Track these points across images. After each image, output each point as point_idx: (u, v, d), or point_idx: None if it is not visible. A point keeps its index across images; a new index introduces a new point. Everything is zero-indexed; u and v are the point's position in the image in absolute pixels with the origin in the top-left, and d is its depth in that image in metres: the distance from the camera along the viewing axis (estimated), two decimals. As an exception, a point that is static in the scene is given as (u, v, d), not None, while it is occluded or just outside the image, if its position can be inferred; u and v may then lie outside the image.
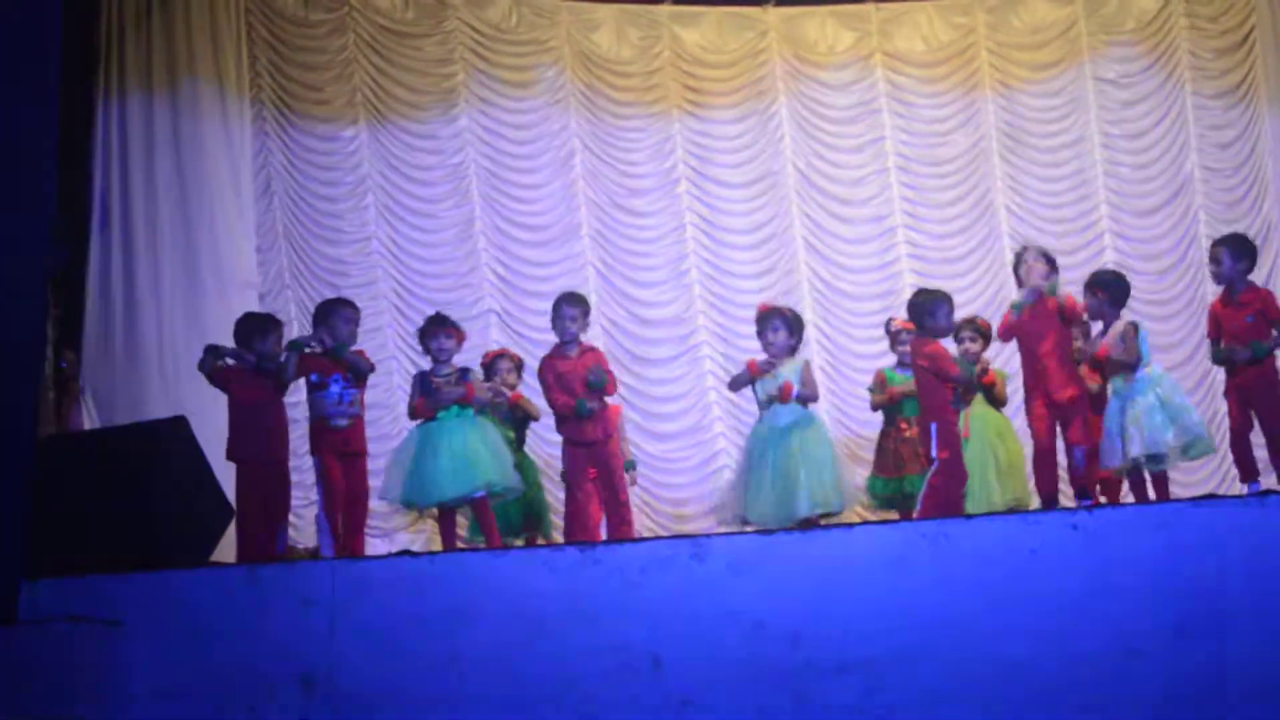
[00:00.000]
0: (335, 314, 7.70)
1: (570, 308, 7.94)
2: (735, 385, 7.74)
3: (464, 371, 7.85)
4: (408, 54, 10.68)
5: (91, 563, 5.81)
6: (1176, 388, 7.44)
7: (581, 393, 7.74)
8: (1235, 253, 7.52)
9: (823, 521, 7.13)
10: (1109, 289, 7.53)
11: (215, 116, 10.01)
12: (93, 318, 9.49)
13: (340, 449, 7.54)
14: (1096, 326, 7.55)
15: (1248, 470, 7.47)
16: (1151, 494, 7.48)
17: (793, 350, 7.52)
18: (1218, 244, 7.75)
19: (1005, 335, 7.79)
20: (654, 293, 10.81)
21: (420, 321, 10.32)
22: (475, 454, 7.56)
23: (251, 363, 7.55)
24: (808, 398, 7.45)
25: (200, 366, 7.57)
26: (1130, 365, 7.31)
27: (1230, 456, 9.75)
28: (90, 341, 9.47)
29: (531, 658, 5.56)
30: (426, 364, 7.98)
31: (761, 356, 7.48)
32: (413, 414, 7.76)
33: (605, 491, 7.90)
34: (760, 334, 7.54)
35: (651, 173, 10.98)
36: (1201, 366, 10.67)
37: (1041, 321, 7.55)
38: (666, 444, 10.38)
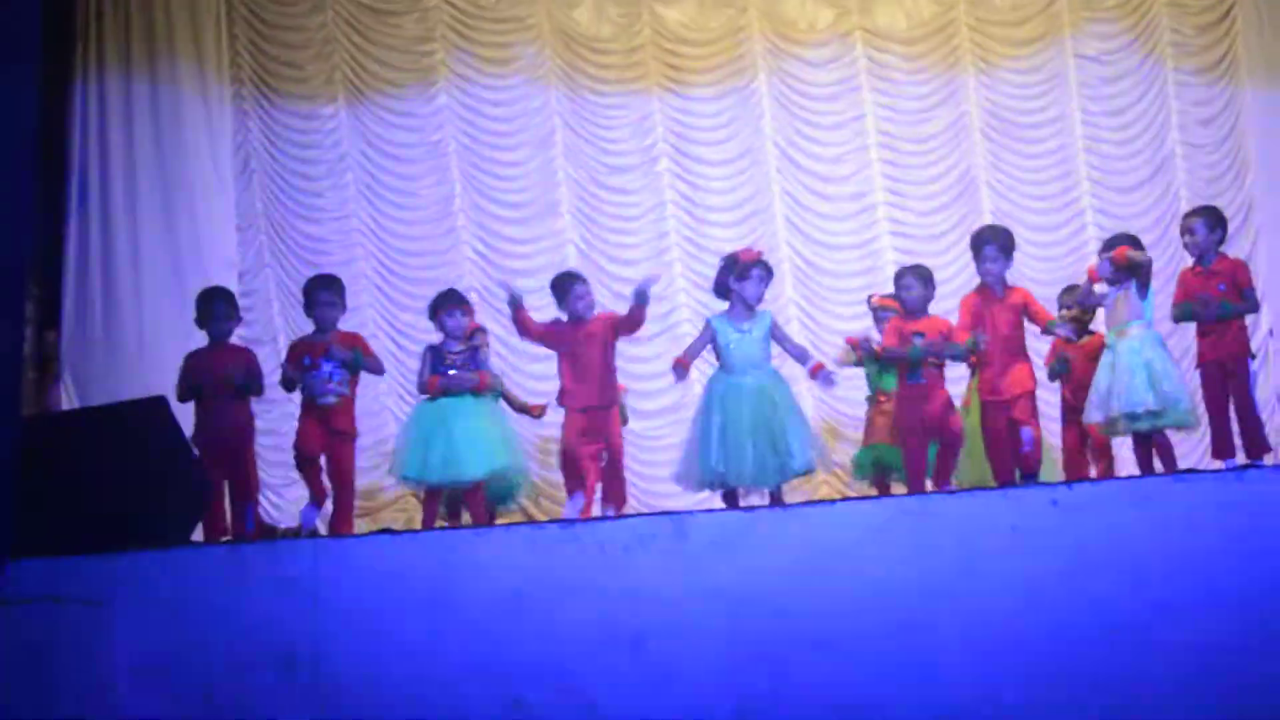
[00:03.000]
0: (313, 299, 7.75)
1: (580, 285, 7.90)
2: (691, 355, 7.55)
3: (475, 349, 7.84)
4: (387, 32, 10.65)
5: (72, 543, 5.80)
6: (1168, 357, 7.42)
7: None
8: (1210, 223, 7.57)
9: (799, 482, 7.30)
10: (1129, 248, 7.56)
11: (194, 95, 9.99)
12: (71, 297, 9.47)
13: (326, 424, 7.53)
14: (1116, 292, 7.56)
15: (1224, 447, 7.48)
16: (1157, 464, 7.52)
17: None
18: (1192, 215, 7.78)
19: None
20: (635, 270, 10.74)
21: (400, 299, 10.39)
22: (489, 437, 7.55)
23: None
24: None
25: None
26: (1134, 269, 7.36)
27: (1205, 433, 9.82)
28: (69, 321, 9.45)
29: (513, 635, 5.56)
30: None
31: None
32: (423, 389, 7.74)
33: (606, 464, 7.81)
34: (748, 283, 7.36)
35: (632, 150, 10.95)
36: (1182, 343, 10.69)
37: (998, 313, 7.62)
38: (648, 421, 10.35)
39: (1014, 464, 7.56)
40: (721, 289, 7.46)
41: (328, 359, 7.52)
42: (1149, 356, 7.25)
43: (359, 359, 7.61)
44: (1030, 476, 7.49)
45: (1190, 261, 7.75)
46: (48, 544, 5.78)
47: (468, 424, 7.51)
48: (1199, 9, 11.27)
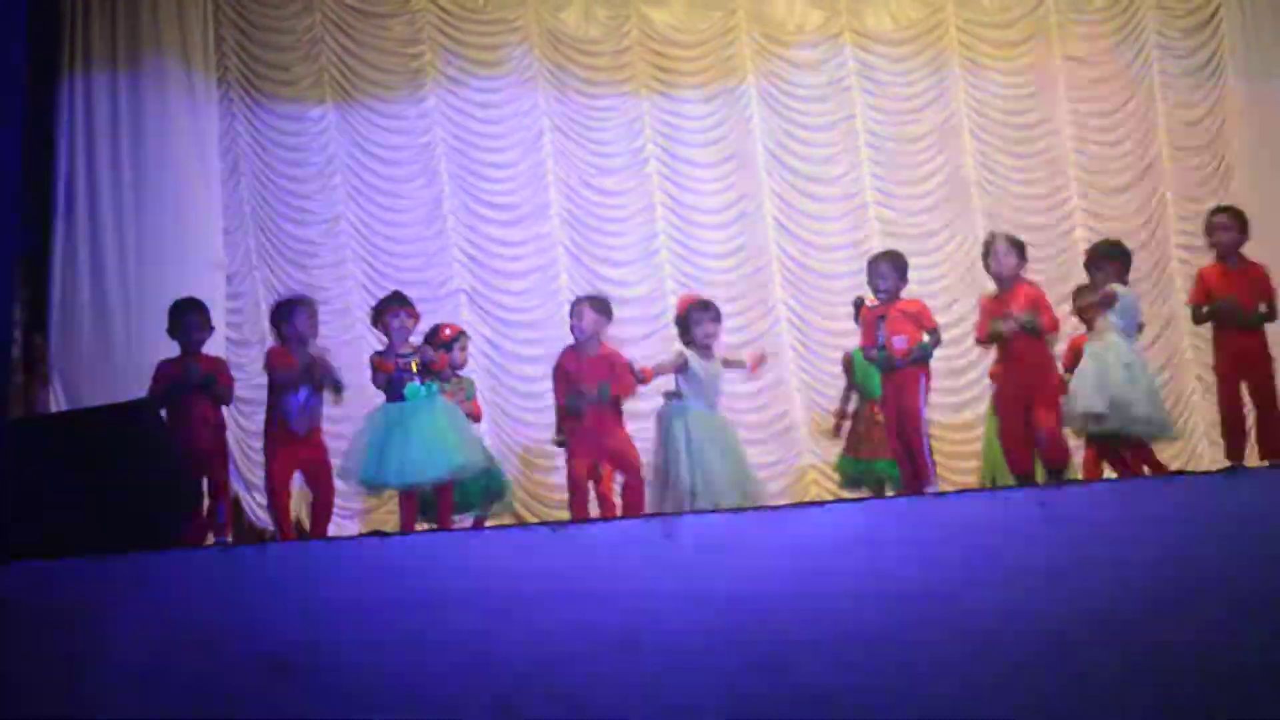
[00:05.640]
0: (296, 313, 7.75)
1: (579, 305, 8.11)
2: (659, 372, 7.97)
3: (424, 350, 7.85)
4: (375, 33, 10.64)
5: (62, 546, 5.79)
6: (1130, 366, 7.36)
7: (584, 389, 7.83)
8: (1242, 223, 7.59)
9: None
10: (1118, 260, 7.55)
11: (181, 96, 9.97)
12: (59, 300, 9.46)
13: (296, 453, 7.58)
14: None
15: (1237, 450, 7.49)
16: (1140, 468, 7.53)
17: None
18: (1221, 212, 7.76)
19: (985, 341, 7.84)
20: (624, 272, 10.79)
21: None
22: (445, 437, 7.55)
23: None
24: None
25: None
26: (1099, 306, 7.38)
27: (1196, 434, 9.88)
28: (57, 323, 9.43)
29: (503, 638, 5.56)
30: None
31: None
32: (378, 382, 7.71)
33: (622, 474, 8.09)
34: (694, 327, 7.89)
35: (621, 152, 10.96)
36: (1168, 347, 10.74)
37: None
38: (637, 424, 10.35)
39: (1037, 459, 7.55)
40: (679, 330, 8.05)
41: (304, 385, 7.56)
42: (1109, 362, 7.26)
43: (329, 378, 7.66)
44: (1057, 473, 7.45)
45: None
46: (36, 547, 5.77)
47: (424, 427, 7.51)
48: (1185, 11, 11.32)
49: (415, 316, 7.90)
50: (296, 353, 7.66)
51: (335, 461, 7.75)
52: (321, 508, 7.68)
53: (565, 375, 7.92)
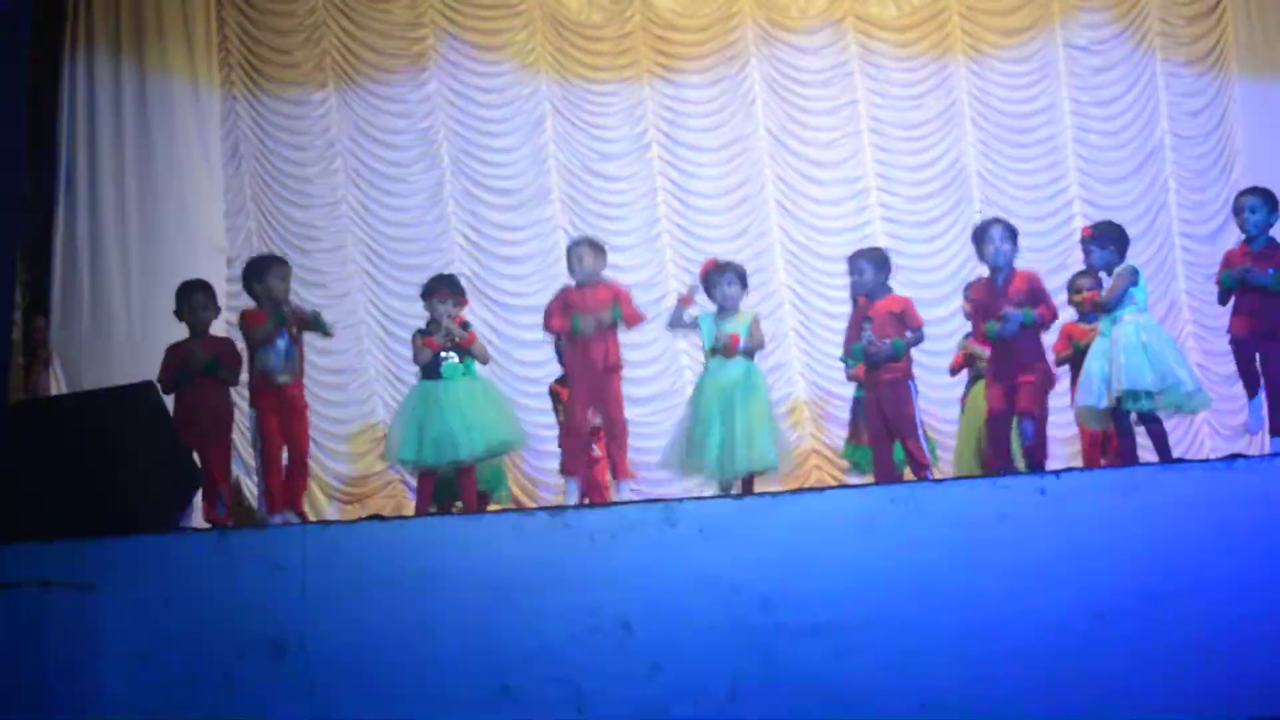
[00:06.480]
0: (269, 272, 7.75)
1: (578, 248, 8.04)
2: (673, 324, 7.84)
3: (463, 326, 7.88)
4: (377, 17, 10.64)
5: (61, 527, 5.80)
6: (1166, 338, 7.34)
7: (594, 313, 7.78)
8: (1271, 205, 7.54)
9: (759, 478, 7.49)
10: (1117, 240, 7.51)
11: (183, 80, 9.98)
12: (60, 283, 9.46)
13: (281, 406, 7.58)
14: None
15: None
16: (1154, 453, 7.50)
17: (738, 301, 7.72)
18: (1249, 193, 7.70)
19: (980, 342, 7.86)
20: (625, 257, 10.75)
21: (389, 285, 10.37)
22: (484, 413, 7.60)
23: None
24: (753, 349, 7.63)
25: None
26: (1106, 306, 7.33)
27: (1195, 420, 9.85)
28: (58, 306, 9.44)
29: (502, 622, 5.57)
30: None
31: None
32: (419, 359, 7.74)
33: (605, 431, 8.01)
34: (714, 289, 7.70)
35: (623, 137, 10.94)
36: (1171, 332, 10.71)
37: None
38: (639, 408, 10.35)
39: (1016, 453, 7.54)
40: (705, 290, 7.82)
41: (280, 335, 7.58)
42: (1146, 339, 7.21)
43: (318, 321, 7.68)
44: (1036, 467, 7.43)
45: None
46: (36, 528, 5.78)
47: (462, 404, 7.55)
48: (1188, 0, 11.28)
49: (462, 303, 7.90)
50: (268, 309, 7.66)
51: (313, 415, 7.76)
52: (296, 457, 7.69)
53: (568, 306, 7.86)
